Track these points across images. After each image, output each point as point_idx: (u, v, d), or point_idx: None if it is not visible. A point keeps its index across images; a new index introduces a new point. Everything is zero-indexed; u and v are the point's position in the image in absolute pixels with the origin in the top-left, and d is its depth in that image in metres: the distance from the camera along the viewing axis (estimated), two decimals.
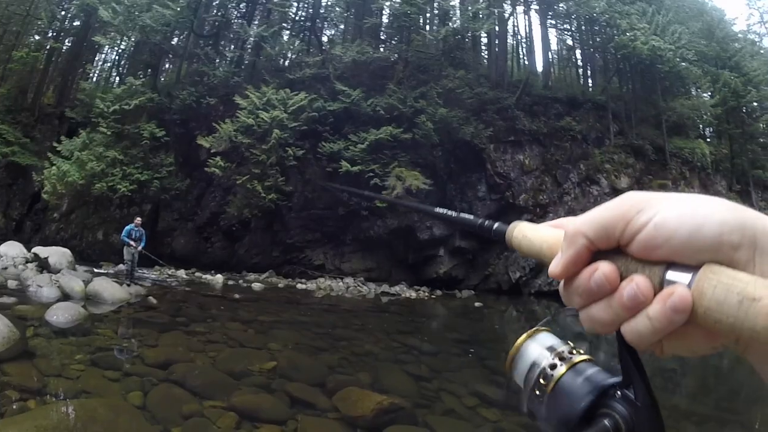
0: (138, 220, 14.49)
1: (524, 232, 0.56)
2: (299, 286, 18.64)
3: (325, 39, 28.91)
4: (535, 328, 0.58)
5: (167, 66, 30.34)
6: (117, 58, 34.54)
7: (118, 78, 31.69)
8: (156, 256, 16.43)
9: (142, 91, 22.79)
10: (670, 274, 0.40)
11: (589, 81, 33.79)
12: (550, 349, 0.54)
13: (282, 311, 12.57)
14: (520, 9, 29.68)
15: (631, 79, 29.12)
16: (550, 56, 34.06)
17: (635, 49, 24.40)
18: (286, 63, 26.82)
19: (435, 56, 24.10)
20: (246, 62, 26.52)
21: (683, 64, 27.20)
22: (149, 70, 26.35)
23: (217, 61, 25.98)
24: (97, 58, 34.87)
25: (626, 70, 28.82)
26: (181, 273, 18.79)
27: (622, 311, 0.42)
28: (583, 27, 31.43)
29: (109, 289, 11.24)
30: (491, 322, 16.06)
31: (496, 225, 0.64)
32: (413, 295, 19.30)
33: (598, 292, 0.43)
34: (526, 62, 33.36)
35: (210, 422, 4.81)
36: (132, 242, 13.76)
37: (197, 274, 19.06)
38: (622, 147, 24.89)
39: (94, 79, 34.57)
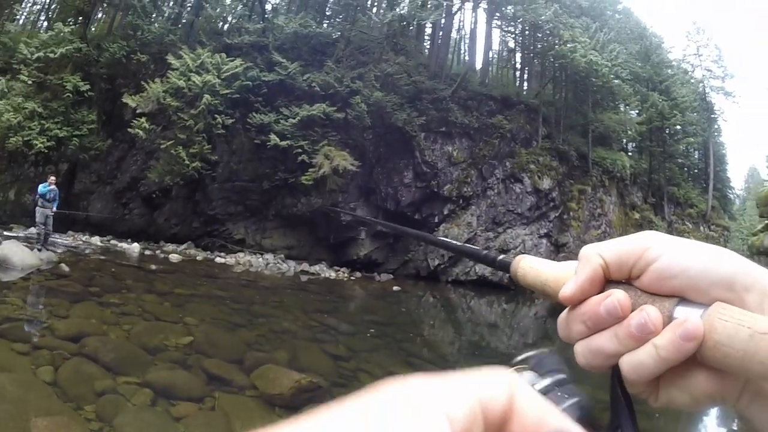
0: (52, 179, 13.78)
1: (531, 264, 0.57)
2: (218, 259, 18.35)
3: (268, 7, 28.08)
4: (517, 366, 0.51)
5: (100, 15, 28.81)
6: (48, 1, 32.55)
7: (46, 23, 29.89)
8: (70, 220, 15.54)
9: (70, 40, 21.30)
10: (680, 310, 0.40)
11: (525, 84, 34.60)
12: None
13: (199, 285, 12.35)
14: (468, 5, 29.90)
15: (565, 87, 30.04)
16: (491, 55, 34.54)
17: (573, 60, 25.21)
18: (225, 27, 26.16)
19: (377, 39, 24.05)
20: (184, 21, 25.63)
21: (616, 81, 28.41)
22: (80, 18, 24.75)
23: (154, 15, 24.97)
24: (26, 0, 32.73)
25: (562, 79, 29.76)
26: (96, 240, 18.00)
27: (628, 340, 0.41)
28: (526, 32, 32.18)
29: (19, 253, 10.69)
30: (408, 307, 16.28)
31: (501, 257, 0.66)
32: (333, 275, 19.32)
33: (606, 319, 0.43)
34: (467, 58, 33.72)
35: (124, 399, 4.69)
36: (47, 203, 13.15)
37: (113, 241, 18.36)
38: (548, 150, 25.59)
39: (20, 21, 32.41)
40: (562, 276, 0.50)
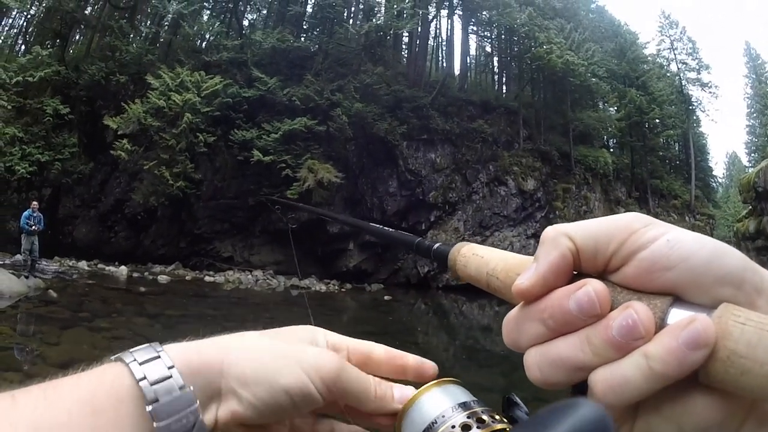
0: (35, 204, 13.64)
1: (475, 251, 0.48)
2: (207, 278, 18.32)
3: (246, 23, 28.32)
4: (441, 379, 0.45)
5: (78, 37, 28.70)
6: (25, 24, 32.27)
7: (23, 46, 29.69)
8: (56, 245, 15.38)
9: (48, 63, 21.12)
10: (676, 313, 0.30)
11: (504, 87, 34.86)
12: (464, 406, 0.41)
13: (190, 305, 12.43)
14: (444, 12, 30.19)
15: (543, 88, 30.56)
16: (468, 61, 34.86)
17: (550, 61, 25.62)
18: (204, 44, 26.12)
19: (355, 50, 24.20)
20: (162, 40, 25.55)
21: (593, 79, 28.86)
22: (58, 40, 24.50)
23: (132, 36, 24.93)
24: (3, 23, 32.44)
25: (539, 80, 30.20)
26: (83, 264, 17.85)
27: (605, 348, 0.31)
28: (502, 36, 32.50)
29: (6, 281, 10.65)
30: (401, 315, 16.33)
31: (437, 245, 0.59)
32: (323, 288, 19.34)
33: (576, 318, 0.32)
34: (444, 64, 33.96)
35: None
36: (33, 228, 13.08)
37: (100, 265, 18.24)
38: (530, 151, 25.85)
39: None
40: (515, 265, 0.41)
